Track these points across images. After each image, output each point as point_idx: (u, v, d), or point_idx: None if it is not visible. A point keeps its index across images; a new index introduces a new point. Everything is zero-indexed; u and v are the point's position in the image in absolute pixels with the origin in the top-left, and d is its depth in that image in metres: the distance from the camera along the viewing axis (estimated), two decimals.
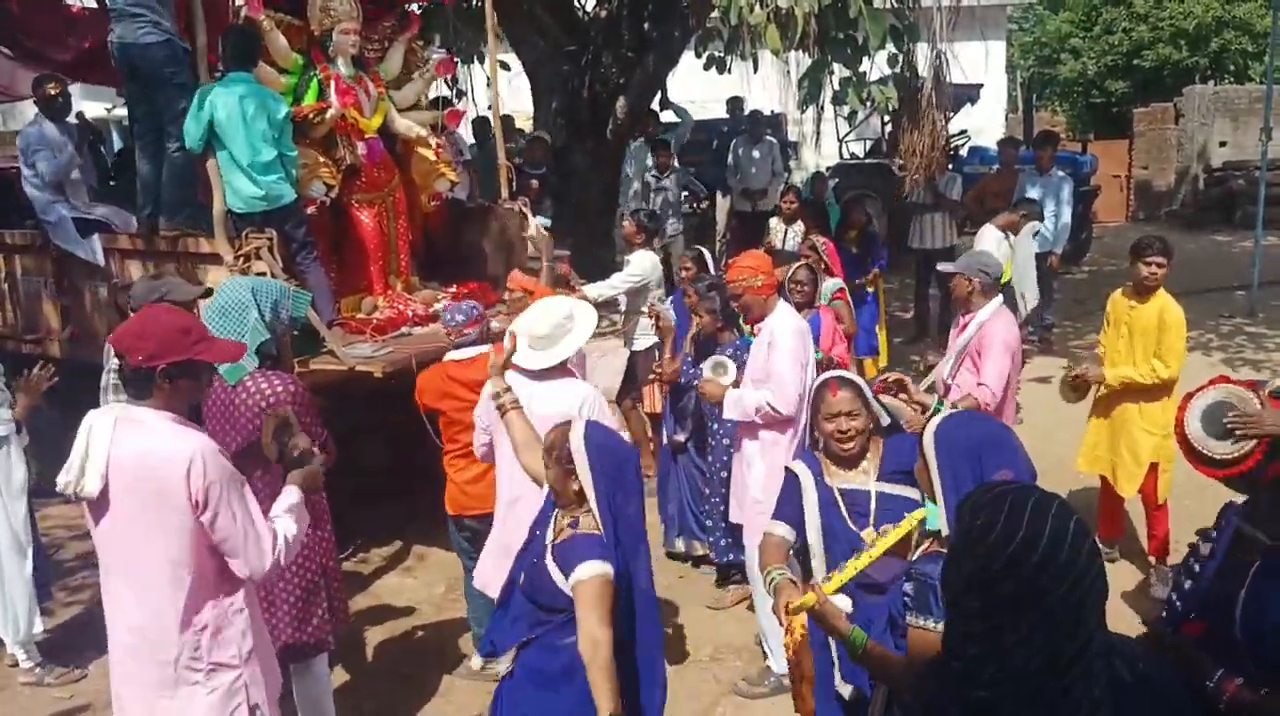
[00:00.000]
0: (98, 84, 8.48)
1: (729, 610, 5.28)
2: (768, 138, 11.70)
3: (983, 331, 4.57)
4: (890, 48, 8.11)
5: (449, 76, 8.28)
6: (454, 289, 6.25)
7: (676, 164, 10.74)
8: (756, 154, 11.45)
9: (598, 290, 6.20)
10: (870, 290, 8.19)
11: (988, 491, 1.73)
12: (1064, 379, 5.41)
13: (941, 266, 5.19)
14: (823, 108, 9.46)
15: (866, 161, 14.61)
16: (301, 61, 5.74)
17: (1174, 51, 23.36)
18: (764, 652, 4.58)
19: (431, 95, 6.98)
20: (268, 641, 3.03)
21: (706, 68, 11.34)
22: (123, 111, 6.95)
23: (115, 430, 2.62)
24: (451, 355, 4.41)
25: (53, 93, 6.46)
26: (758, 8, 7.02)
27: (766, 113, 12.27)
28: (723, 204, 13.13)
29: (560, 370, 3.91)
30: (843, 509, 3.18)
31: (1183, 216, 17.99)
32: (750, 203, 11.47)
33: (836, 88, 8.49)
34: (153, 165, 5.58)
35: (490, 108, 7.20)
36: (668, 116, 11.60)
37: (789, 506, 3.28)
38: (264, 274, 4.80)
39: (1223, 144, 18.26)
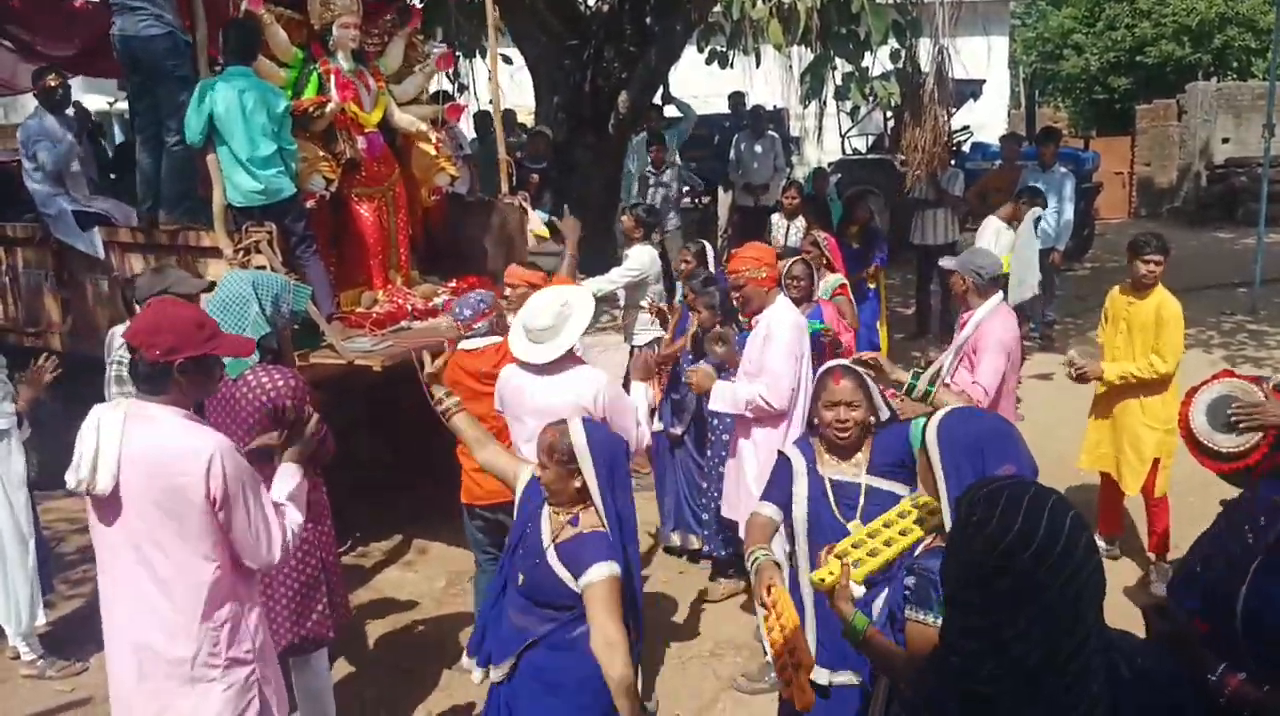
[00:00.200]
0: (100, 75, 8.47)
1: (730, 606, 5.28)
2: (770, 133, 11.68)
3: (979, 330, 4.58)
4: (893, 43, 8.11)
5: (450, 70, 8.28)
6: (453, 283, 6.25)
7: (678, 159, 10.72)
8: (758, 149, 11.43)
9: (596, 285, 6.20)
10: (871, 286, 8.18)
11: (984, 486, 1.73)
12: (1068, 360, 5.37)
13: (942, 262, 5.18)
14: (825, 103, 9.47)
15: (869, 157, 14.60)
16: (301, 55, 5.73)
17: (1177, 48, 23.32)
18: (764, 649, 4.58)
19: (432, 89, 6.97)
20: (269, 636, 3.02)
21: (709, 62, 11.34)
22: (124, 105, 6.95)
23: (126, 426, 2.59)
24: (462, 345, 4.41)
25: (52, 85, 6.46)
26: (760, 2, 7.02)
27: (769, 108, 12.24)
28: (724, 199, 13.12)
29: (570, 359, 3.89)
30: (832, 500, 3.19)
31: (1185, 213, 17.97)
32: (752, 198, 11.46)
33: (839, 83, 8.51)
34: (153, 159, 5.58)
35: (491, 102, 7.19)
36: (670, 111, 11.57)
37: (778, 488, 3.30)
38: (263, 267, 4.79)
39: (1225, 141, 18.22)
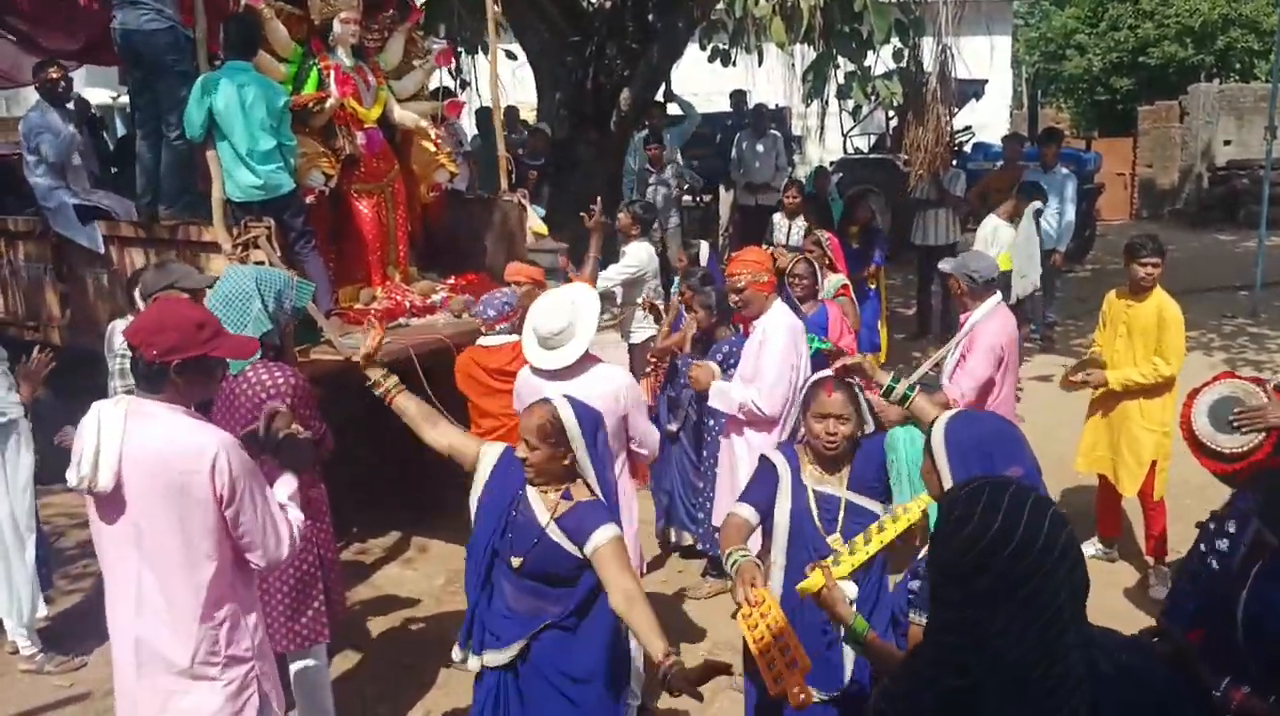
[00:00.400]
0: (106, 64, 8.45)
1: (727, 606, 5.27)
2: (771, 131, 11.67)
3: (973, 332, 4.59)
4: (895, 42, 8.09)
5: (452, 67, 8.25)
6: (452, 280, 6.24)
7: (679, 158, 10.71)
8: (760, 148, 11.42)
9: None
10: (872, 286, 8.17)
11: (967, 485, 1.75)
12: (1065, 377, 5.39)
13: (940, 265, 5.18)
14: (827, 102, 9.46)
15: (870, 156, 14.58)
16: (301, 51, 5.71)
17: (1180, 49, 23.31)
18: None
19: (434, 85, 6.96)
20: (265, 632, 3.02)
21: (711, 60, 11.32)
22: (126, 99, 6.94)
23: (127, 423, 2.58)
24: (481, 341, 4.40)
25: (54, 78, 6.44)
26: (763, 1, 7.00)
27: (771, 106, 12.23)
28: (725, 198, 13.11)
29: (588, 357, 3.86)
30: (814, 512, 3.18)
31: (1186, 215, 17.96)
32: (753, 197, 11.45)
33: (841, 82, 8.49)
34: (153, 153, 5.57)
35: (492, 98, 7.17)
36: (674, 109, 11.56)
37: (759, 492, 3.27)
38: (262, 262, 4.79)
39: (1227, 142, 18.22)
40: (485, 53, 9.87)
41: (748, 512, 3.24)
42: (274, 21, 5.51)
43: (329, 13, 5.72)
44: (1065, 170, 9.81)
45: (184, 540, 2.59)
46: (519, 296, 4.78)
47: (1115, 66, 24.63)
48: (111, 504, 2.60)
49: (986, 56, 12.83)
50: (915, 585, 2.33)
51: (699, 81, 13.05)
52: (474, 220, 6.67)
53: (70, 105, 6.84)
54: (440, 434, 3.23)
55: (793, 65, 8.85)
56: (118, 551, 2.66)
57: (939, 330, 9.87)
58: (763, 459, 3.37)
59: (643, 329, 6.42)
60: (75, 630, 4.95)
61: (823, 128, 10.65)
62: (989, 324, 4.58)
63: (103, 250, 5.97)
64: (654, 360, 5.43)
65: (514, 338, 4.31)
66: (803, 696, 2.58)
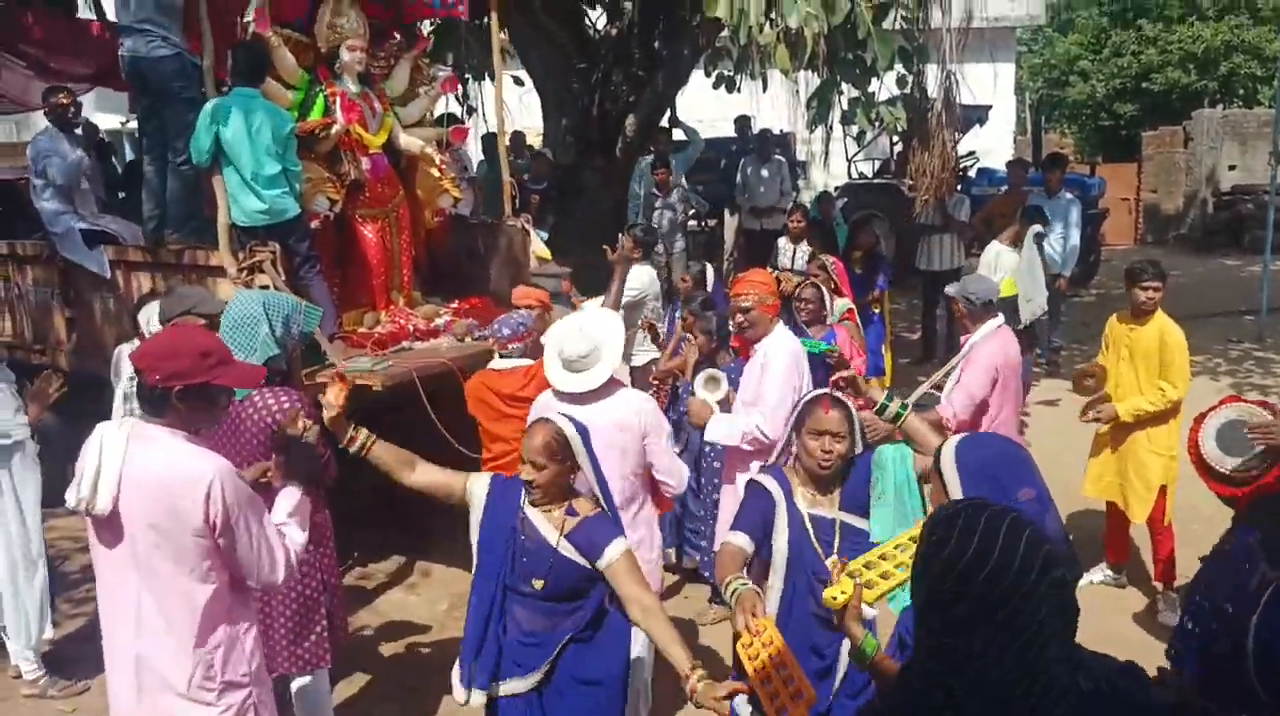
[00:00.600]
0: (116, 90, 8.51)
1: (727, 631, 5.24)
2: (776, 157, 11.72)
3: (971, 353, 4.59)
4: (899, 69, 8.12)
5: (459, 93, 8.29)
6: (455, 304, 6.25)
7: (684, 183, 10.74)
8: (765, 173, 11.46)
9: (596, 306, 6.18)
10: (876, 310, 8.17)
11: (948, 508, 1.75)
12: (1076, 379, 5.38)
13: (946, 289, 5.19)
14: (831, 127, 9.48)
15: (875, 181, 14.61)
16: (308, 78, 5.76)
17: (1183, 75, 23.40)
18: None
19: (440, 112, 7.00)
20: (264, 658, 3.01)
21: (716, 86, 11.39)
22: (135, 124, 6.98)
23: (129, 447, 2.58)
24: (493, 364, 4.39)
25: (63, 103, 6.51)
26: (768, 28, 7.04)
27: (775, 132, 12.28)
28: (730, 223, 13.14)
29: (612, 382, 3.86)
30: (811, 535, 3.15)
31: (1191, 240, 17.97)
32: (758, 221, 11.48)
33: (845, 108, 8.52)
34: (160, 178, 5.61)
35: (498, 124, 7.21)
36: (677, 135, 11.61)
37: (753, 519, 3.19)
38: (266, 287, 4.80)
39: (1231, 168, 18.25)
40: (492, 79, 9.96)
41: (742, 541, 3.16)
42: (281, 49, 5.56)
43: (335, 40, 5.78)
44: (1069, 195, 9.81)
45: (179, 564, 2.59)
46: (534, 321, 4.77)
47: (1119, 92, 24.73)
48: (110, 526, 2.61)
49: (990, 82, 12.87)
50: None
51: (704, 108, 13.12)
52: (478, 245, 6.70)
53: (79, 130, 6.90)
54: (419, 476, 3.18)
55: (797, 91, 8.90)
56: (116, 573, 2.65)
57: (944, 354, 9.84)
58: (752, 483, 3.31)
59: (644, 352, 6.41)
60: (78, 654, 4.93)
61: (827, 153, 10.66)
62: (987, 345, 4.58)
63: (109, 275, 5.99)
64: (656, 382, 5.42)
65: (527, 362, 4.29)
66: None
